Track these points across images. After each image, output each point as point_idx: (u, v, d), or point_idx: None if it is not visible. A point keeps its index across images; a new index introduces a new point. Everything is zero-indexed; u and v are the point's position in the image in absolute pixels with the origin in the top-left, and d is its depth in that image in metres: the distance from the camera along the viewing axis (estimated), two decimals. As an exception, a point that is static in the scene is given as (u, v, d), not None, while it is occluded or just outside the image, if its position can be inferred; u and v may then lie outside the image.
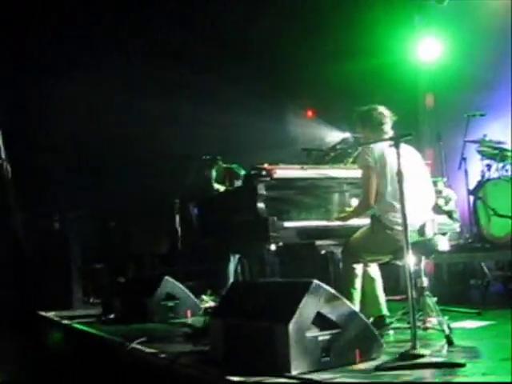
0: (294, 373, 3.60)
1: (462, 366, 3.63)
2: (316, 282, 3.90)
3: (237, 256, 7.69)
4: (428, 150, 9.59)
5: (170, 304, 7.14)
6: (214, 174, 8.55)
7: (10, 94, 9.83)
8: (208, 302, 7.85)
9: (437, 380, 3.47)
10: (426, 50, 10.67)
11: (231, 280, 7.90)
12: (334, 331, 3.82)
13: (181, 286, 7.43)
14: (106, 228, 11.40)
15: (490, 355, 4.06)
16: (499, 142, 8.23)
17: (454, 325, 4.97)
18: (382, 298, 5.37)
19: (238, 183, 7.87)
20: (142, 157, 11.18)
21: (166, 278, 7.30)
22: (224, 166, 8.54)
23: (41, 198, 10.32)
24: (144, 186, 11.13)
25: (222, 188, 8.36)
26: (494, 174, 8.13)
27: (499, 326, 5.12)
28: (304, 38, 11.22)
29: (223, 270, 7.98)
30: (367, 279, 5.32)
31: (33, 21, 10.69)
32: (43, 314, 8.63)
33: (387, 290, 5.56)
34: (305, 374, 3.62)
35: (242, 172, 8.01)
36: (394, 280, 6.48)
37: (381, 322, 5.14)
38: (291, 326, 3.66)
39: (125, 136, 10.89)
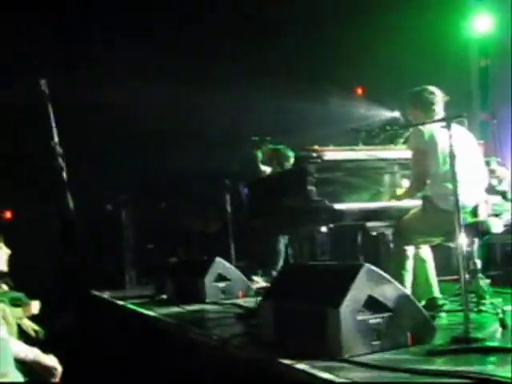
0: (345, 356, 3.60)
1: (514, 350, 3.59)
2: (367, 265, 3.89)
3: (286, 237, 7.70)
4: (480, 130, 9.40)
5: (222, 285, 7.18)
6: (259, 155, 8.55)
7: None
8: (259, 282, 7.88)
9: (490, 366, 3.42)
10: (479, 24, 10.48)
11: (281, 261, 7.93)
12: (385, 314, 3.81)
13: (232, 266, 7.48)
14: (157, 208, 11.49)
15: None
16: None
17: (508, 308, 4.90)
18: (433, 280, 5.33)
19: (287, 165, 7.86)
20: (193, 137, 11.19)
21: (218, 259, 7.34)
22: (271, 147, 8.53)
23: (92, 179, 10.44)
24: (194, 166, 11.18)
25: (268, 169, 8.36)
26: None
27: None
28: (352, 14, 11.09)
29: (273, 251, 8.02)
30: (418, 261, 5.28)
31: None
32: (97, 293, 8.79)
33: (438, 271, 5.52)
34: (356, 357, 3.62)
35: (290, 153, 7.99)
36: (445, 260, 6.39)
37: (433, 305, 5.11)
38: (342, 310, 3.66)
39: (174, 115, 10.92)
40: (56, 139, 9.24)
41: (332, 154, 5.55)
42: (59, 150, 9.24)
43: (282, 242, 7.87)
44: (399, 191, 5.49)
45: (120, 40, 10.92)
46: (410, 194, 5.28)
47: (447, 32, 10.40)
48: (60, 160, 9.21)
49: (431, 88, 5.26)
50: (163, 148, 11.23)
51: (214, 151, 10.92)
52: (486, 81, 10.79)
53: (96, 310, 8.30)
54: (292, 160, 7.73)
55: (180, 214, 11.42)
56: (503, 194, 6.06)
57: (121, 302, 7.62)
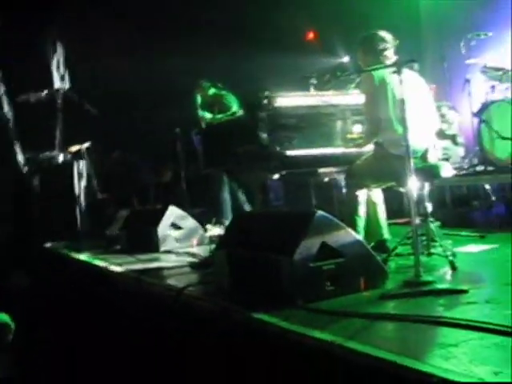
0: (299, 303, 3.63)
1: (464, 292, 3.66)
2: (320, 211, 3.90)
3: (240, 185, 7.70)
4: (431, 69, 9.42)
5: (176, 233, 7.16)
6: (199, 99, 8.47)
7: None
8: (213, 230, 7.88)
9: (440, 308, 3.49)
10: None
11: (229, 209, 7.92)
12: (338, 260, 3.84)
13: (186, 214, 7.44)
14: (109, 159, 11.37)
15: (492, 280, 4.10)
16: (504, 63, 8.12)
17: (458, 249, 5.00)
18: (384, 222, 5.42)
19: (228, 111, 7.82)
20: (143, 89, 11.05)
21: (171, 207, 7.30)
22: (213, 91, 8.45)
23: (44, 134, 10.26)
24: (146, 116, 11.07)
25: (208, 115, 8.31)
26: (498, 95, 8.05)
27: (502, 250, 5.14)
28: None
29: (220, 199, 8.01)
30: (370, 204, 5.35)
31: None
32: (48, 245, 8.70)
33: (390, 214, 5.59)
34: (310, 303, 3.65)
35: (232, 100, 7.95)
36: (397, 204, 6.47)
37: (383, 246, 5.21)
38: (296, 257, 3.68)
39: (124, 70, 10.78)
40: (2, 89, 9.03)
41: (283, 100, 5.52)
42: (6, 98, 9.04)
43: (233, 189, 7.84)
44: (352, 136, 5.51)
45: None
46: (367, 139, 5.29)
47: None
48: (7, 109, 9.01)
49: (382, 33, 5.24)
50: (115, 102, 11.05)
51: (165, 101, 10.80)
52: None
53: (49, 263, 8.23)
54: (235, 107, 7.70)
55: (133, 165, 11.33)
56: (453, 138, 6.12)
57: (74, 254, 7.55)
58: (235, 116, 7.76)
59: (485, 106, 7.83)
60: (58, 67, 10.25)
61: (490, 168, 7.60)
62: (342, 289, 3.83)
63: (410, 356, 2.58)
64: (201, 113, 8.40)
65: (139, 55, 10.98)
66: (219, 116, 8.04)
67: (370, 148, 5.24)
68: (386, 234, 5.38)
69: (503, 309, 3.23)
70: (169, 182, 11.07)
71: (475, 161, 8.04)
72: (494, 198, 8.39)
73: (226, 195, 8.04)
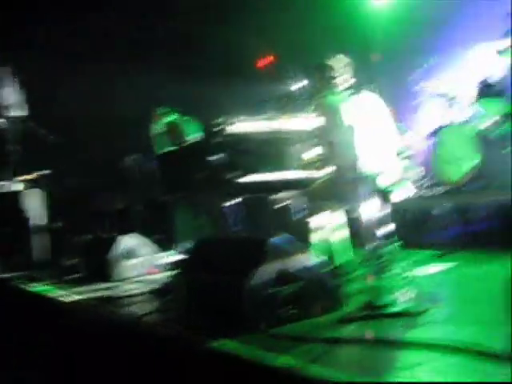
0: (258, 328, 3.60)
1: (423, 312, 3.67)
2: (278, 236, 3.90)
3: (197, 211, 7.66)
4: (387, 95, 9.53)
5: (133, 261, 7.08)
6: (155, 127, 8.47)
7: None
8: (170, 257, 7.81)
9: (400, 329, 3.49)
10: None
11: (187, 234, 7.89)
12: (296, 285, 3.83)
13: (143, 242, 7.37)
14: (66, 186, 11.24)
15: (451, 300, 4.12)
16: (457, 86, 8.26)
17: (416, 270, 5.03)
18: (343, 245, 5.42)
19: (187, 138, 7.81)
20: (100, 115, 10.98)
21: (128, 234, 7.24)
22: (169, 119, 8.46)
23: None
24: (102, 142, 10.99)
25: (164, 143, 8.31)
26: (451, 118, 8.17)
27: (460, 270, 5.20)
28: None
29: (178, 225, 7.97)
30: (328, 229, 5.35)
31: None
32: (2, 276, 8.52)
33: (350, 237, 5.60)
34: (270, 327, 3.62)
35: (191, 127, 7.95)
36: (354, 229, 6.50)
37: (343, 271, 5.19)
38: (254, 282, 3.66)
39: (80, 97, 10.72)
40: None
41: (240, 125, 5.50)
42: None
43: (190, 216, 7.79)
44: (307, 161, 5.51)
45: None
46: (318, 163, 5.31)
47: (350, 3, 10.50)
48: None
49: (337, 59, 5.30)
50: (74, 128, 10.96)
51: (125, 130, 10.75)
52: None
53: (4, 294, 8.05)
54: (192, 134, 7.70)
55: (91, 192, 11.23)
56: (407, 161, 6.16)
57: (29, 285, 7.41)
58: (192, 141, 7.74)
59: (438, 129, 7.94)
60: (11, 94, 10.11)
61: (445, 189, 7.69)
62: (301, 313, 3.82)
63: (373, 378, 2.58)
64: (158, 140, 8.38)
65: (95, 82, 10.90)
66: (175, 143, 8.02)
67: (325, 172, 5.25)
68: (346, 259, 5.38)
69: (462, 327, 3.25)
70: (126, 209, 10.97)
71: (430, 182, 8.13)
72: (449, 219, 8.48)
73: (184, 221, 8.00)
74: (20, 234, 9.45)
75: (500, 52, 7.78)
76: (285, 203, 5.72)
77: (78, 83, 10.82)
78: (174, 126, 8.34)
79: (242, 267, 3.89)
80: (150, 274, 7.01)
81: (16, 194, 9.98)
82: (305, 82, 6.42)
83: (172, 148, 8.01)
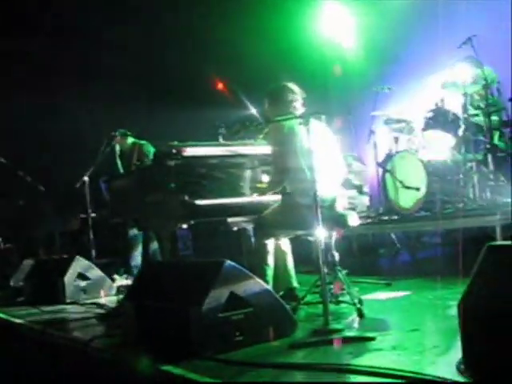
0: (208, 354, 3.59)
1: (372, 339, 3.71)
2: (228, 261, 3.89)
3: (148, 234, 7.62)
4: (337, 120, 9.65)
5: (82, 284, 6.99)
6: (117, 148, 8.42)
7: None
8: (121, 280, 7.75)
9: (349, 355, 3.52)
10: (333, 21, 10.76)
11: (139, 258, 7.85)
12: (247, 310, 3.83)
13: (92, 265, 7.31)
14: (14, 207, 11.07)
15: (399, 327, 4.17)
16: (405, 115, 8.42)
17: (365, 297, 5.08)
18: (292, 271, 5.46)
19: (146, 161, 7.79)
20: (51, 134, 10.88)
21: (77, 257, 7.16)
22: (132, 141, 8.42)
23: None
24: (53, 162, 10.87)
25: (125, 165, 8.27)
26: (401, 146, 8.32)
27: (408, 297, 5.26)
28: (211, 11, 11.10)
29: (129, 248, 7.93)
30: (278, 253, 5.38)
31: None
32: None
33: (298, 263, 5.63)
34: (220, 353, 3.62)
35: (151, 150, 7.94)
36: (305, 253, 6.54)
37: (291, 294, 5.23)
38: (204, 308, 3.64)
39: (29, 115, 10.62)
40: None
41: (192, 150, 5.53)
42: None
43: (141, 239, 7.75)
44: (260, 186, 5.55)
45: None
46: (271, 188, 5.35)
47: (303, 33, 10.63)
48: None
49: (290, 85, 5.36)
50: (24, 149, 10.83)
51: (75, 150, 10.66)
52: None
53: None
54: (150, 156, 7.68)
55: (39, 213, 11.07)
56: (359, 188, 6.25)
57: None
58: (143, 165, 7.73)
59: (389, 157, 8.07)
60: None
61: (395, 217, 7.80)
62: (251, 338, 3.81)
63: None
64: (119, 162, 8.33)
65: (46, 99, 10.79)
66: (135, 164, 7.99)
67: (277, 198, 5.29)
68: (295, 283, 5.41)
69: (409, 355, 3.30)
70: (76, 231, 10.85)
71: (380, 210, 8.25)
72: (399, 246, 8.61)
73: (135, 244, 7.96)
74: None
75: (443, 85, 7.98)
76: (237, 228, 5.73)
77: (28, 100, 10.69)
78: (137, 147, 8.31)
79: (193, 292, 3.89)
80: (99, 297, 6.93)
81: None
82: (259, 107, 6.45)
83: (129, 169, 7.99)
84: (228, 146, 5.85)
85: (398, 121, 8.33)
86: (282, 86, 5.36)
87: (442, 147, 7.88)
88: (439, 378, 2.75)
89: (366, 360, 3.29)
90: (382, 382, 2.86)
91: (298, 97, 5.29)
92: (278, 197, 5.28)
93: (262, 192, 5.43)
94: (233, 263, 3.91)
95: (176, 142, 5.50)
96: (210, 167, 5.63)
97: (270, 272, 5.19)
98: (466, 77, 7.72)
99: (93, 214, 8.96)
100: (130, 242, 8.04)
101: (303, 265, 6.09)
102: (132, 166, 8.12)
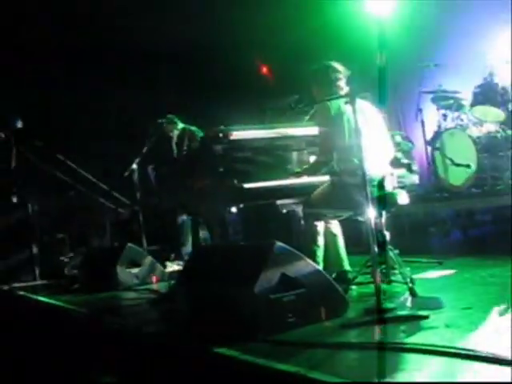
0: (262, 336, 3.60)
1: (425, 318, 3.68)
2: (278, 243, 3.90)
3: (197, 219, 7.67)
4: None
5: (135, 271, 7.08)
6: (175, 133, 8.43)
7: None
8: (172, 266, 7.82)
9: (402, 334, 3.50)
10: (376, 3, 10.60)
11: (189, 244, 7.89)
12: (298, 291, 3.83)
13: (144, 252, 7.39)
14: (66, 198, 11.25)
15: (452, 305, 4.12)
16: (454, 92, 8.29)
17: (417, 276, 5.04)
18: (343, 253, 5.41)
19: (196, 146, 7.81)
20: (96, 124, 11.00)
21: (129, 244, 7.24)
22: (183, 127, 8.44)
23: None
24: (102, 153, 11.01)
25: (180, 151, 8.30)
26: (449, 123, 8.20)
27: (460, 275, 5.20)
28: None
29: (181, 234, 7.97)
30: (329, 235, 5.35)
31: None
32: (5, 288, 8.52)
33: (349, 245, 5.60)
34: (273, 335, 3.63)
35: (201, 135, 7.95)
36: (355, 234, 6.51)
37: (343, 277, 5.19)
38: (256, 289, 3.65)
39: (74, 106, 10.75)
40: None
41: (239, 133, 5.53)
42: None
43: (191, 224, 7.79)
44: (310, 166, 5.53)
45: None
46: (315, 167, 5.32)
47: (343, 9, 10.49)
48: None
49: (333, 64, 5.30)
50: (70, 136, 10.99)
51: (121, 139, 10.77)
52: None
53: (7, 306, 8.05)
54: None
55: (90, 203, 11.23)
56: (408, 167, 6.18)
57: (32, 296, 7.41)
58: (191, 150, 7.76)
59: (438, 134, 7.97)
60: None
61: (445, 195, 7.70)
62: (303, 319, 3.81)
63: (375, 383, 2.58)
64: (175, 148, 8.35)
65: (89, 90, 10.90)
66: (186, 150, 8.03)
67: (326, 179, 5.26)
68: (347, 266, 5.37)
69: (463, 332, 3.26)
70: (126, 220, 10.97)
71: (430, 188, 8.15)
72: (450, 225, 8.51)
73: (185, 231, 8.01)
74: (23, 245, 9.46)
75: (492, 59, 7.81)
76: (286, 210, 5.73)
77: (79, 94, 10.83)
78: (188, 133, 8.32)
79: (244, 274, 3.90)
80: (151, 283, 7.01)
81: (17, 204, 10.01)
82: (306, 89, 6.40)
83: (179, 156, 8.02)
84: (274, 128, 5.84)
85: (446, 97, 8.20)
86: (325, 66, 5.30)
87: (491, 123, 7.74)
88: (493, 355, 2.72)
89: (420, 338, 3.26)
90: (435, 360, 2.84)
91: (341, 75, 5.24)
92: (326, 177, 5.25)
93: (308, 171, 5.39)
94: (283, 244, 3.91)
95: (222, 127, 5.51)
96: (257, 150, 5.63)
97: (320, 253, 5.18)
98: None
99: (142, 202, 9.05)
100: (180, 228, 8.08)
101: (355, 246, 6.05)
102: (182, 152, 8.14)
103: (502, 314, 3.52)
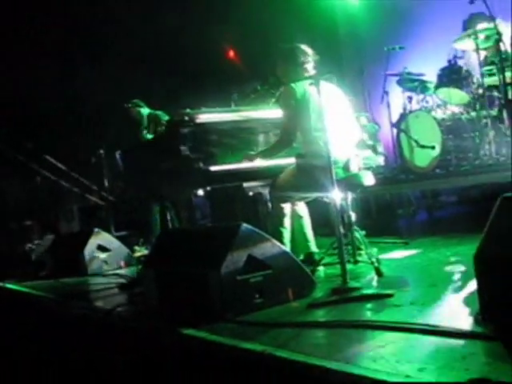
0: (228, 316, 3.62)
1: (390, 296, 3.73)
2: (244, 225, 3.92)
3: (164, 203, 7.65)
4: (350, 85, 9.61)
5: (103, 256, 7.07)
6: (143, 117, 8.40)
7: None
8: (141, 251, 7.82)
9: (368, 312, 3.55)
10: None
11: (158, 228, 7.89)
12: (265, 272, 3.85)
13: (112, 237, 7.38)
14: (33, 184, 11.17)
15: (417, 284, 4.19)
16: (419, 74, 8.35)
17: (383, 256, 5.10)
18: (310, 235, 5.46)
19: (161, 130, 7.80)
20: (64, 112, 10.91)
21: (97, 229, 7.23)
22: (150, 112, 8.41)
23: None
24: (70, 139, 10.92)
25: (148, 135, 8.27)
26: (415, 106, 8.27)
27: (425, 255, 5.27)
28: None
29: (149, 219, 7.96)
30: (295, 218, 5.38)
31: None
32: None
33: (317, 227, 5.64)
34: (240, 316, 3.65)
35: (167, 118, 7.92)
36: (322, 216, 6.56)
37: (311, 259, 5.23)
38: (223, 271, 3.67)
39: (38, 89, 10.64)
40: None
41: (204, 116, 5.53)
42: None
43: (158, 208, 7.79)
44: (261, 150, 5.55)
45: None
46: (275, 150, 5.31)
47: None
48: None
49: (303, 46, 5.29)
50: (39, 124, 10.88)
51: (88, 124, 10.70)
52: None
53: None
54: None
55: (57, 189, 11.17)
56: (373, 148, 6.23)
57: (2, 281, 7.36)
58: (156, 133, 7.74)
59: (403, 116, 8.02)
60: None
61: (411, 176, 7.78)
62: (270, 300, 3.84)
63: (340, 360, 2.62)
64: (144, 131, 8.32)
65: (58, 74, 10.80)
66: (152, 135, 8.01)
67: (292, 160, 5.28)
68: (313, 247, 5.41)
69: (428, 309, 3.32)
70: (94, 206, 10.93)
71: (396, 170, 8.22)
72: (415, 206, 8.60)
73: (153, 215, 7.99)
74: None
75: (455, 42, 7.86)
76: (252, 193, 5.75)
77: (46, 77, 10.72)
78: (153, 117, 8.29)
79: (210, 256, 3.92)
80: (119, 268, 7.01)
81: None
82: (272, 72, 6.41)
83: (144, 140, 8.00)
84: (240, 111, 5.84)
85: (411, 80, 8.25)
86: (293, 48, 5.29)
87: (456, 105, 7.82)
88: (458, 329, 2.77)
89: (385, 316, 3.31)
90: (401, 335, 2.88)
91: (309, 58, 5.24)
92: (292, 160, 5.27)
93: (266, 154, 5.40)
94: (249, 226, 3.93)
95: (188, 110, 5.51)
96: (223, 133, 5.63)
97: (286, 235, 5.21)
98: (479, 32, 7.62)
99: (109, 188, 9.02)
100: (148, 213, 8.07)
101: (322, 228, 6.09)
102: (148, 137, 8.12)
103: (465, 291, 3.58)
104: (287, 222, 5.24)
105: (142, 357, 3.87)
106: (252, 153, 5.51)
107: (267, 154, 5.38)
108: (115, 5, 10.98)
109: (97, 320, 4.65)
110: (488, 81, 7.52)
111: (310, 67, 5.24)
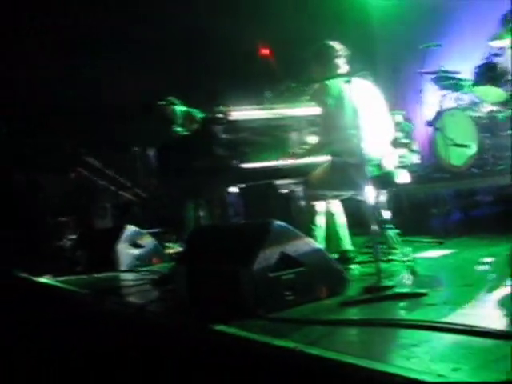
0: (260, 313, 3.61)
1: (424, 295, 3.69)
2: (276, 222, 3.90)
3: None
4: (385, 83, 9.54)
5: (136, 252, 7.10)
6: (176, 114, 8.41)
7: None
8: (173, 248, 7.84)
9: (401, 311, 3.52)
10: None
11: (192, 225, 7.90)
12: (298, 269, 3.84)
13: (145, 233, 7.40)
14: (68, 181, 11.26)
15: (450, 283, 4.14)
16: (455, 72, 8.25)
17: (417, 255, 5.05)
18: (344, 233, 5.42)
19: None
20: (101, 107, 10.97)
21: (130, 226, 7.26)
22: (184, 109, 8.42)
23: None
24: (105, 137, 10.99)
25: (182, 133, 8.28)
26: (450, 103, 8.17)
27: (460, 254, 5.22)
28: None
29: (183, 216, 7.97)
30: (329, 216, 5.35)
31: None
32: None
33: (351, 225, 5.60)
34: (272, 313, 3.64)
35: (201, 116, 7.92)
36: (356, 214, 6.52)
37: (345, 257, 5.20)
38: (255, 267, 3.66)
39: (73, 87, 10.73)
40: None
41: (238, 113, 5.52)
42: None
43: (191, 206, 7.80)
44: (305, 147, 5.52)
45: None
46: (318, 149, 5.31)
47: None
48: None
49: (333, 43, 5.28)
50: (72, 120, 10.97)
51: (124, 121, 10.75)
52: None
53: (10, 288, 8.07)
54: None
55: (92, 186, 11.25)
56: (408, 146, 6.18)
57: (35, 278, 7.43)
58: (190, 131, 7.74)
59: (438, 115, 7.93)
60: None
61: (446, 175, 7.69)
62: (302, 297, 3.82)
63: (373, 358, 2.59)
64: (177, 129, 8.34)
65: (90, 71, 10.88)
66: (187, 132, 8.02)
67: (326, 158, 5.26)
68: (348, 245, 5.38)
69: (461, 309, 3.27)
70: (127, 203, 10.99)
71: (431, 169, 8.13)
72: (450, 205, 8.49)
73: (187, 212, 8.00)
74: (25, 228, 9.49)
75: (491, 39, 7.74)
76: (286, 191, 5.73)
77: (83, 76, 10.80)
78: (188, 114, 8.30)
79: (243, 253, 3.91)
80: (152, 264, 7.03)
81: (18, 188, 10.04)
82: (305, 72, 6.38)
83: (177, 138, 8.00)
84: (274, 108, 5.82)
85: (447, 78, 8.16)
86: (325, 46, 5.28)
87: (492, 103, 7.72)
88: (492, 330, 2.73)
89: (419, 315, 3.28)
90: (435, 334, 2.85)
91: (341, 54, 5.22)
92: (326, 157, 5.24)
93: (309, 153, 5.39)
94: (281, 223, 3.92)
95: (222, 107, 5.50)
96: (257, 130, 5.61)
97: (318, 233, 5.18)
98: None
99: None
100: (181, 210, 8.08)
101: (354, 227, 6.05)
102: (183, 134, 8.12)
103: (500, 291, 3.53)
104: (319, 219, 5.21)
105: (174, 353, 3.88)
106: (295, 151, 5.49)
107: (311, 153, 5.36)
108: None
109: (130, 316, 4.67)
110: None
111: (341, 62, 5.21)
